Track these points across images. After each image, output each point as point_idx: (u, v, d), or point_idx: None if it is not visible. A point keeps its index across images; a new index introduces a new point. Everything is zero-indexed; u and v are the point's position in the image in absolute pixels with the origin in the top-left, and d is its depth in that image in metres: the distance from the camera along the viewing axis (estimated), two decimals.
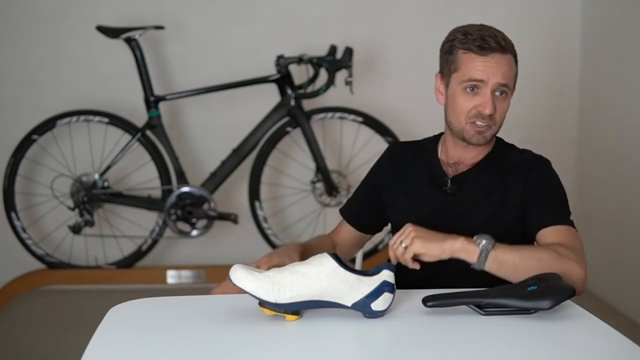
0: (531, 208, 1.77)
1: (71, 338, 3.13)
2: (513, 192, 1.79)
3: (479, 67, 1.73)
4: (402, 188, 1.91)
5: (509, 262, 1.58)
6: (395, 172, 1.94)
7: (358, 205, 2.02)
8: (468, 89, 1.75)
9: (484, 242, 1.58)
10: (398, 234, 1.65)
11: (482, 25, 1.78)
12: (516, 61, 1.78)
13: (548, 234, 1.72)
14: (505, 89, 1.75)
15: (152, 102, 3.54)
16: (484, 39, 1.73)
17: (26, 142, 3.58)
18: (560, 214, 1.75)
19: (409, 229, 1.63)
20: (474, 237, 1.60)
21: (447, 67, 1.80)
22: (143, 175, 3.74)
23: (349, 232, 2.02)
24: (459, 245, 1.58)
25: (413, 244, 1.59)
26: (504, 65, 1.73)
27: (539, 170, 1.80)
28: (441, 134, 1.93)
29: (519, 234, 1.80)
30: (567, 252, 1.64)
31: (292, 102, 3.52)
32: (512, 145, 1.90)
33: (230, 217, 3.59)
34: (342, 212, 2.06)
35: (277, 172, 3.86)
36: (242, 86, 3.56)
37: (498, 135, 1.90)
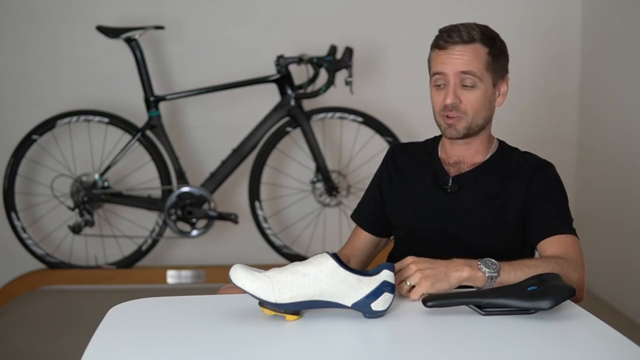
0: (533, 214, 1.77)
1: (71, 338, 3.14)
2: (515, 196, 1.79)
3: (441, 60, 1.77)
4: (403, 187, 1.91)
5: (513, 282, 1.56)
6: (397, 172, 1.94)
7: (369, 209, 1.99)
8: (437, 85, 1.78)
9: (489, 270, 1.55)
10: (398, 267, 1.56)
11: (460, 23, 1.79)
12: (491, 50, 1.76)
13: (549, 244, 1.72)
14: (470, 78, 1.74)
15: (152, 102, 3.54)
16: (448, 34, 1.76)
17: (26, 142, 3.58)
18: (562, 222, 1.75)
19: (413, 268, 1.54)
20: (478, 263, 1.56)
21: (429, 71, 1.84)
22: (143, 175, 3.75)
23: (364, 239, 1.99)
24: (466, 275, 1.55)
25: (421, 285, 1.53)
26: (466, 55, 1.74)
27: (543, 175, 1.80)
28: (441, 135, 1.94)
29: (520, 237, 1.80)
30: (567, 262, 1.64)
31: (292, 102, 3.52)
32: (514, 149, 1.89)
33: (230, 217, 3.59)
34: (354, 218, 2.02)
35: (277, 172, 3.86)
36: (242, 86, 3.56)
37: (500, 138, 1.90)
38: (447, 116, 1.77)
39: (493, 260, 1.57)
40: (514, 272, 1.57)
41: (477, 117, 1.78)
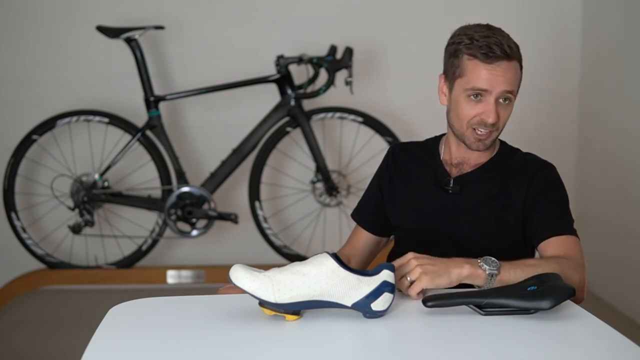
0: (534, 215, 1.76)
1: (71, 338, 3.14)
2: (516, 196, 1.79)
3: (483, 75, 1.71)
4: (403, 187, 1.91)
5: (514, 282, 1.56)
6: (397, 171, 1.93)
7: (369, 208, 1.99)
8: (472, 97, 1.74)
9: (489, 267, 1.55)
10: (399, 262, 1.57)
11: (488, 29, 1.75)
12: (521, 66, 1.77)
13: (550, 245, 1.72)
14: (509, 96, 1.74)
15: (152, 102, 3.54)
16: (490, 47, 1.70)
17: (26, 142, 3.58)
18: (563, 223, 1.75)
19: (413, 264, 1.55)
20: (479, 261, 1.57)
21: (451, 70, 1.78)
22: (143, 175, 3.75)
23: (364, 238, 1.98)
24: (467, 273, 1.55)
25: (421, 280, 1.53)
26: (509, 73, 1.72)
27: (543, 175, 1.80)
28: (443, 135, 1.93)
29: (520, 237, 1.80)
30: (568, 263, 1.64)
31: (292, 102, 3.52)
32: (516, 149, 1.89)
33: (230, 217, 3.59)
34: (354, 217, 2.02)
35: (277, 172, 3.86)
36: (242, 86, 3.56)
37: (502, 138, 1.90)
38: (479, 131, 1.75)
39: (493, 258, 1.57)
40: (514, 271, 1.57)
41: (502, 128, 1.79)
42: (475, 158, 1.85)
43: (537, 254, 1.80)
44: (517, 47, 1.76)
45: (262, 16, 3.81)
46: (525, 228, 1.79)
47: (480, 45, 1.71)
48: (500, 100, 1.74)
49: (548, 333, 1.39)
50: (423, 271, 1.54)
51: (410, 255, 1.58)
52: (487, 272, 1.55)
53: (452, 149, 1.86)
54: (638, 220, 3.32)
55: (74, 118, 3.57)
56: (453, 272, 1.55)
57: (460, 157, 1.85)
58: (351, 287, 1.43)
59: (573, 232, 1.74)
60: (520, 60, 1.76)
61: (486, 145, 1.78)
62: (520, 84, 1.80)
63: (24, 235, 3.63)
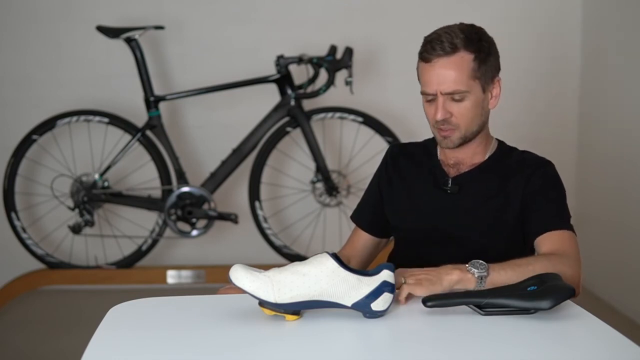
0: (532, 212, 1.76)
1: (71, 338, 3.14)
2: (515, 195, 1.79)
3: (427, 77, 1.74)
4: (402, 187, 1.91)
5: (505, 282, 1.56)
6: (396, 172, 1.93)
7: (368, 210, 1.99)
8: (427, 99, 1.77)
9: (477, 270, 1.56)
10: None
11: (447, 27, 1.75)
12: (477, 55, 1.72)
13: (545, 240, 1.72)
14: (457, 95, 1.73)
15: (152, 102, 3.54)
16: (431, 45, 1.72)
17: (26, 142, 3.58)
18: (559, 218, 1.75)
19: (407, 275, 1.58)
20: (467, 266, 1.58)
21: (418, 78, 1.82)
22: (143, 175, 3.75)
23: (364, 239, 1.98)
24: (456, 278, 1.56)
25: (416, 290, 1.54)
26: (448, 70, 1.71)
27: (542, 173, 1.80)
28: None
29: (520, 236, 1.80)
30: (560, 259, 1.64)
31: (292, 102, 3.52)
32: (514, 148, 1.89)
33: (230, 217, 3.59)
34: (354, 219, 2.01)
35: (277, 172, 3.86)
36: (242, 86, 3.56)
37: (500, 138, 1.90)
38: (441, 129, 1.77)
39: (481, 261, 1.58)
40: (504, 272, 1.58)
41: (471, 126, 1.78)
42: (471, 158, 1.85)
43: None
44: (470, 38, 1.71)
45: (262, 16, 3.81)
46: (524, 226, 1.79)
47: (425, 46, 1.74)
48: (454, 98, 1.73)
49: (548, 333, 1.39)
50: (417, 281, 1.55)
51: (400, 270, 1.61)
52: (476, 275, 1.56)
53: (445, 150, 1.86)
54: (638, 220, 3.32)
55: (74, 118, 3.57)
56: (444, 279, 1.56)
57: (455, 158, 1.85)
58: (351, 287, 1.44)
59: (569, 227, 1.74)
60: (472, 51, 1.71)
61: (454, 143, 1.79)
62: (486, 71, 1.74)
63: (24, 235, 3.63)
